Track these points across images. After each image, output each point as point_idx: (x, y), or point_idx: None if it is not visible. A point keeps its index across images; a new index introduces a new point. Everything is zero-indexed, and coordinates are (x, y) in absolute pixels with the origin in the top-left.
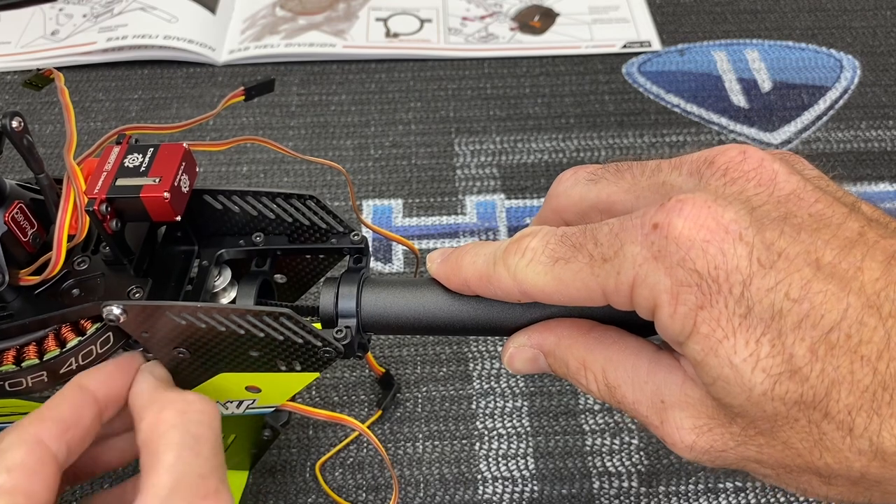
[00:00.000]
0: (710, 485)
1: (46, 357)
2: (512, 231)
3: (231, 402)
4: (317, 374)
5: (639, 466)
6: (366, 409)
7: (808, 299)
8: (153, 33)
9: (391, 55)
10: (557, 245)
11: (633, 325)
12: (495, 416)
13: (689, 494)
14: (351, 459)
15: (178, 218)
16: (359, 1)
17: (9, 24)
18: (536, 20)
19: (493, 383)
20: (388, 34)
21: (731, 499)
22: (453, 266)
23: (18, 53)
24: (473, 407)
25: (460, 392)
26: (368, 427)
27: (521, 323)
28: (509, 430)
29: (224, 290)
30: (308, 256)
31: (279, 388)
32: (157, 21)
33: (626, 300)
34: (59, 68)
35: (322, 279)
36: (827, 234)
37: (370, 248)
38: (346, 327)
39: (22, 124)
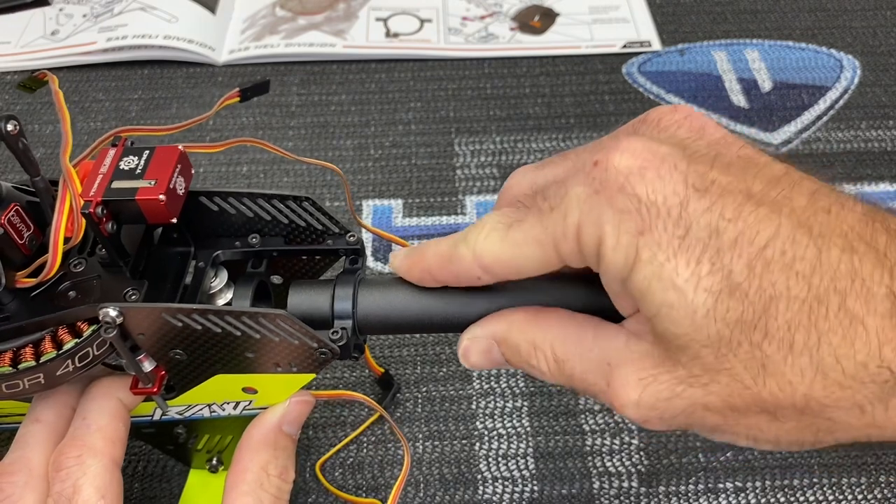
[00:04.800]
0: (709, 485)
1: (43, 359)
2: None
3: (228, 404)
4: (313, 375)
5: (639, 466)
6: (366, 409)
7: (742, 219)
8: (153, 33)
9: (391, 55)
10: (511, 211)
11: (600, 313)
12: (495, 416)
13: (689, 494)
14: (351, 459)
15: (174, 220)
16: (359, 1)
17: (9, 24)
18: (536, 20)
19: (493, 383)
20: (388, 34)
21: (731, 499)
22: (417, 257)
23: (18, 53)
24: (473, 407)
25: (460, 392)
26: (367, 427)
27: (480, 315)
28: (509, 430)
29: (220, 291)
30: (304, 258)
31: (276, 389)
32: (157, 21)
33: (574, 246)
34: (59, 68)
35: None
36: (754, 170)
37: (366, 250)
38: (342, 328)
39: (17, 128)
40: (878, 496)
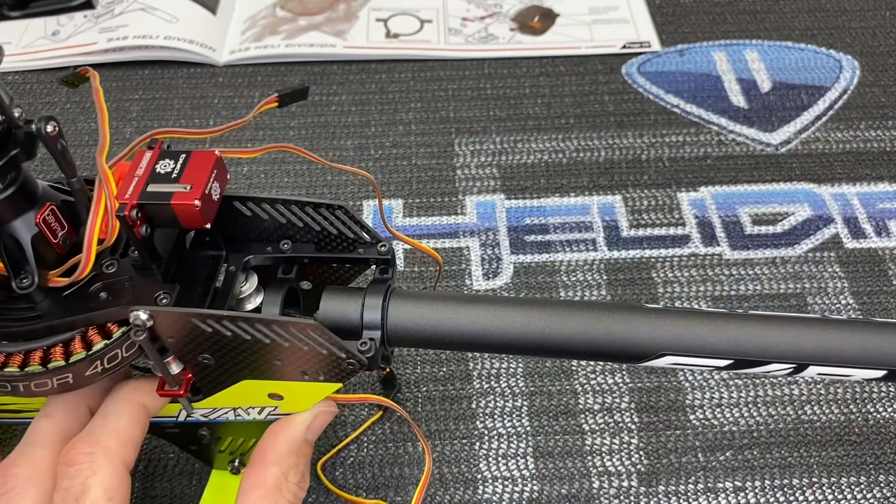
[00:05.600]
0: (709, 484)
1: (73, 359)
2: (512, 231)
3: (253, 408)
4: (339, 385)
5: (638, 466)
6: (367, 409)
7: None
8: (154, 34)
9: (391, 55)
10: None
11: None
12: (495, 416)
13: (689, 494)
14: (351, 459)
15: (208, 225)
16: (359, 1)
17: (10, 24)
18: (536, 21)
19: (493, 383)
20: (388, 35)
21: (730, 498)
22: None
23: (19, 54)
24: (473, 407)
25: (460, 392)
26: (368, 427)
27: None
28: (509, 429)
29: (250, 296)
30: (335, 265)
31: (302, 396)
32: (157, 21)
33: None
34: (59, 69)
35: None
36: None
37: (396, 260)
38: (371, 339)
39: (56, 129)
40: (878, 495)
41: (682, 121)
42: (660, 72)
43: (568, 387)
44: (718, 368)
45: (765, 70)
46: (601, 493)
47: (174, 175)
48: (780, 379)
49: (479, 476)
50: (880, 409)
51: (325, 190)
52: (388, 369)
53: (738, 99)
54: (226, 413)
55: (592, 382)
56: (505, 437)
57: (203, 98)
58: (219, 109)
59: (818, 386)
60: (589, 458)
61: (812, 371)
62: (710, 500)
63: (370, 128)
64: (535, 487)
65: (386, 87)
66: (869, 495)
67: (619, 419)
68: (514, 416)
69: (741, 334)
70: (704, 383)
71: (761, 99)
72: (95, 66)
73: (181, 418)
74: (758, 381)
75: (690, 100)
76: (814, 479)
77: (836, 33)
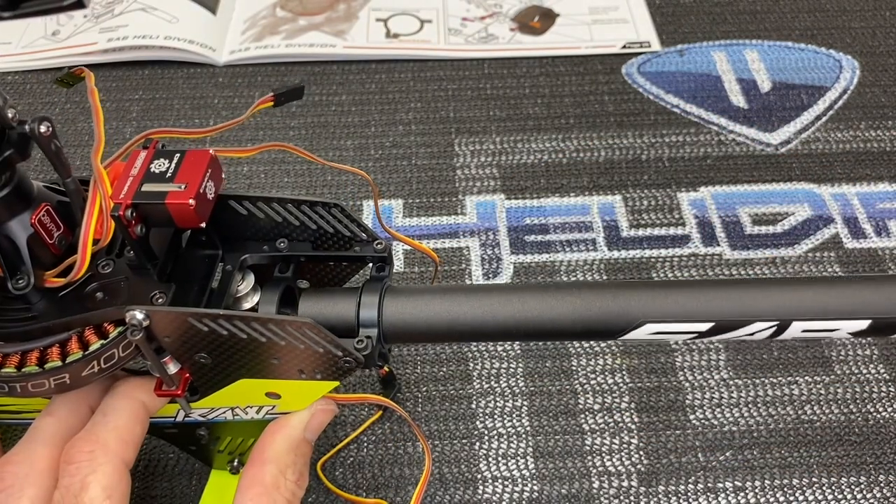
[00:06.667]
0: (709, 484)
1: (69, 359)
2: (512, 231)
3: (251, 408)
4: (337, 383)
5: (638, 466)
6: (366, 409)
7: None
8: (154, 34)
9: (391, 55)
10: None
11: None
12: (495, 416)
13: (689, 494)
14: (351, 459)
15: (203, 225)
16: (359, 1)
17: (10, 24)
18: (536, 21)
19: (492, 383)
20: (388, 35)
21: (730, 498)
22: None
23: (19, 54)
24: (473, 406)
25: (460, 392)
26: (368, 427)
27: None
28: (509, 429)
29: (247, 295)
30: (331, 263)
31: (299, 395)
32: (157, 21)
33: None
34: (59, 69)
35: (344, 286)
36: None
37: (394, 259)
38: (367, 337)
39: (50, 129)
40: (878, 495)
41: (682, 121)
42: (660, 72)
43: (568, 387)
44: (701, 334)
45: (765, 70)
46: (601, 493)
47: (169, 174)
48: (779, 378)
49: (479, 476)
50: (880, 409)
51: (324, 190)
52: (387, 369)
53: (738, 99)
54: (224, 412)
55: (592, 382)
56: (505, 437)
57: (203, 98)
58: (219, 109)
59: (818, 386)
60: (589, 458)
61: (796, 329)
62: (710, 500)
63: (370, 128)
64: (535, 487)
65: (386, 87)
66: (869, 495)
67: (619, 419)
68: (514, 416)
69: (720, 296)
70: (704, 383)
71: (761, 99)
72: (95, 66)
73: (179, 418)
74: (758, 382)
75: (690, 100)
76: (814, 479)
77: (836, 33)
